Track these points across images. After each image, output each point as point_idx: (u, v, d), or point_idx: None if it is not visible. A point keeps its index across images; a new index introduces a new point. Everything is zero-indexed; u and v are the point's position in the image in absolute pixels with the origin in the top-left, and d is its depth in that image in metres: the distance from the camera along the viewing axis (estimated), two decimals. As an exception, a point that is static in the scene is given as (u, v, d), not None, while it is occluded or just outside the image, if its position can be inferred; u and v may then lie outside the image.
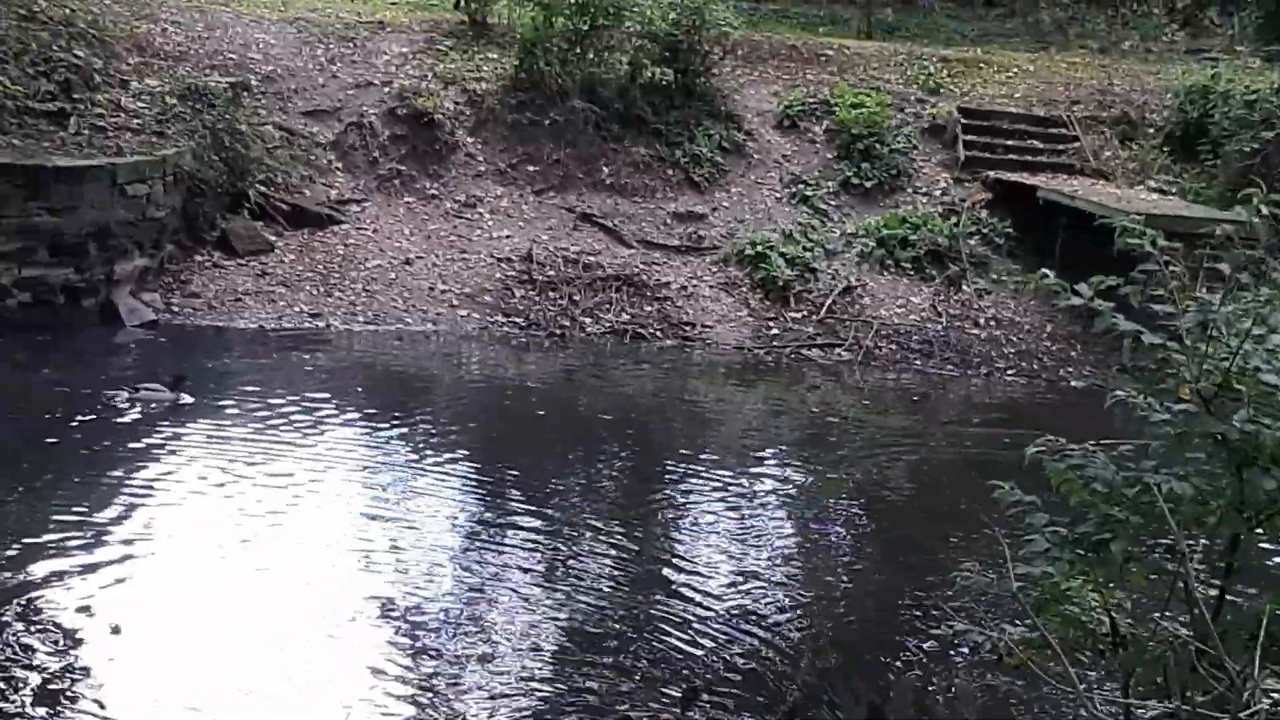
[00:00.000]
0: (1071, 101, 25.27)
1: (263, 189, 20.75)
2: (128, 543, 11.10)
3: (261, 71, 22.92)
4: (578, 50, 23.58)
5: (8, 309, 17.13)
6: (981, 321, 20.97)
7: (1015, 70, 26.82)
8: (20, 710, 8.38)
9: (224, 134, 20.40)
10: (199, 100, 20.58)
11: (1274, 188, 17.85)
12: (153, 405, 14.69)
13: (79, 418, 14.05)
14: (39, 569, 10.37)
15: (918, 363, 19.95)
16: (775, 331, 20.35)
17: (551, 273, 20.68)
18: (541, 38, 23.45)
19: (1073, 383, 19.69)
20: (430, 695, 9.14)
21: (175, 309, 18.44)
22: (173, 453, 13.43)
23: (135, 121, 19.66)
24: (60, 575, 10.27)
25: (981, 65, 26.99)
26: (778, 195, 22.93)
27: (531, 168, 22.63)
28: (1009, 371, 19.92)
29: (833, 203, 22.94)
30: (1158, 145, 24.06)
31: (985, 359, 20.12)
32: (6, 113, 18.54)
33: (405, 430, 15.11)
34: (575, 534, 12.42)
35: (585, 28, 23.56)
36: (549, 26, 23.60)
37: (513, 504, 13.13)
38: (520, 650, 9.91)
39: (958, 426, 17.75)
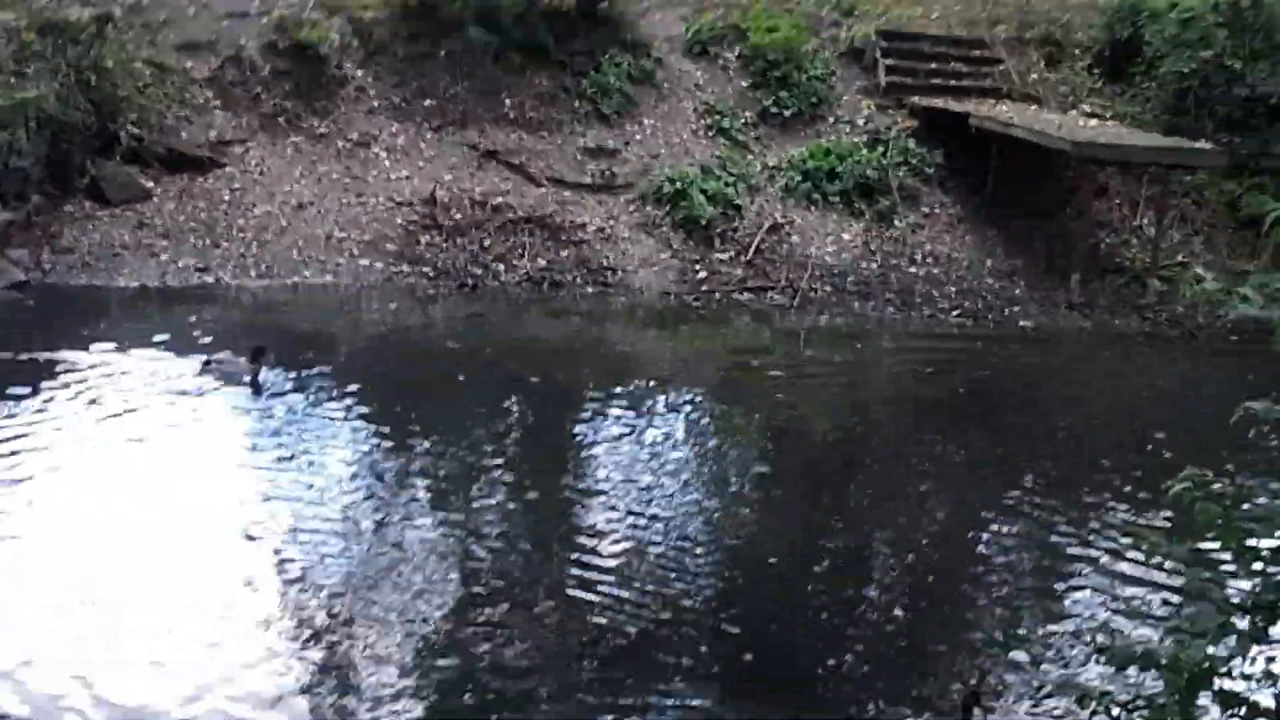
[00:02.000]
0: (992, 21, 23.94)
1: (135, 131, 18.86)
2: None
3: (125, 3, 20.87)
4: (472, -24, 21.82)
5: None
6: (918, 259, 19.76)
7: (931, -11, 25.48)
8: None
9: (89, 72, 18.48)
10: (59, 35, 18.60)
11: (1213, 111, 16.96)
12: (230, 380, 13.36)
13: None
14: None
15: (855, 305, 18.72)
16: (702, 274, 18.96)
17: (458, 216, 19.05)
18: (433, -38, 21.69)
19: (1021, 323, 18.55)
20: (322, 659, 8.47)
21: (46, 266, 16.63)
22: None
23: (-10, 60, 17.71)
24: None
25: (894, -16, 25.61)
26: (693, 127, 21.40)
27: (428, 102, 20.86)
28: (953, 312, 18.74)
29: (752, 134, 21.46)
30: (1086, 67, 22.90)
31: (926, 299, 18.93)
32: None
33: (301, 390, 13.63)
34: (475, 488, 11.69)
35: (481, -49, 21.82)
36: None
37: (414, 461, 12.25)
38: (417, 613, 9.16)
39: (894, 371, 16.94)
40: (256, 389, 13.37)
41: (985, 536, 11.63)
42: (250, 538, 10.06)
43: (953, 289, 19.22)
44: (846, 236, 19.92)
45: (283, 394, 13.43)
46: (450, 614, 9.20)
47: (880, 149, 21.01)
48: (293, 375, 14.00)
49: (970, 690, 8.40)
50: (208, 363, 13.53)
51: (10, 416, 12.08)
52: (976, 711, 8.22)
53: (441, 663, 8.53)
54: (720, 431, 14.27)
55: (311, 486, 11.22)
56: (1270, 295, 5.38)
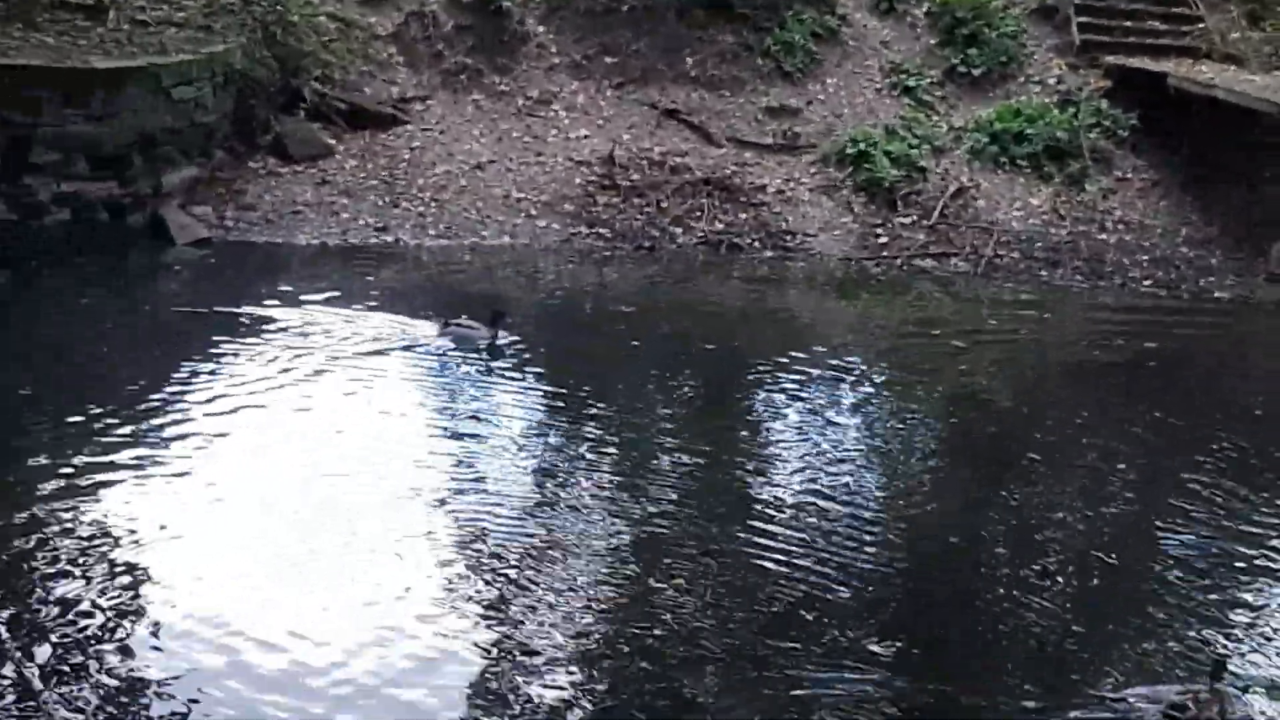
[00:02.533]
0: (1195, -25, 23.07)
1: (318, 87, 18.95)
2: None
3: (311, -44, 21.00)
4: (657, -71, 21.53)
5: (46, 228, 15.47)
6: (1109, 225, 19.10)
7: (1125, -58, 24.58)
8: None
9: (275, 27, 18.60)
10: (247, -11, 18.75)
11: None
12: (466, 341, 13.38)
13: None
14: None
15: (1043, 273, 18.13)
16: (883, 239, 18.53)
17: (636, 177, 18.85)
18: (619, -84, 21.44)
19: (1216, 293, 17.83)
20: (501, 617, 8.34)
21: (229, 223, 16.73)
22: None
23: (179, 15, 17.92)
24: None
25: (1089, -62, 24.75)
26: (877, 86, 20.93)
27: (609, 59, 20.68)
28: (1145, 281, 18.06)
29: (938, 94, 20.92)
30: (1294, 25, 21.95)
31: (1117, 267, 18.27)
32: (38, 6, 16.77)
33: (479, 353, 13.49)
34: (651, 454, 11.47)
35: (665, -97, 21.51)
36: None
37: (590, 426, 11.96)
38: (592, 578, 9.03)
39: (1081, 342, 16.34)
40: (493, 353, 13.31)
41: (1171, 520, 11.10)
42: (440, 502, 10.03)
43: (1145, 257, 18.54)
44: (1034, 201, 19.34)
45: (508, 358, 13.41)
46: (624, 579, 9.06)
47: (1071, 110, 20.34)
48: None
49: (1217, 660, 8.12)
50: (446, 324, 13.48)
51: (219, 372, 12.22)
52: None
53: (612, 628, 8.37)
54: (898, 401, 13.84)
55: (494, 448, 11.19)
56: None
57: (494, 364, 13.09)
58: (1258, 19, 22.20)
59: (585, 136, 19.52)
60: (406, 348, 13.22)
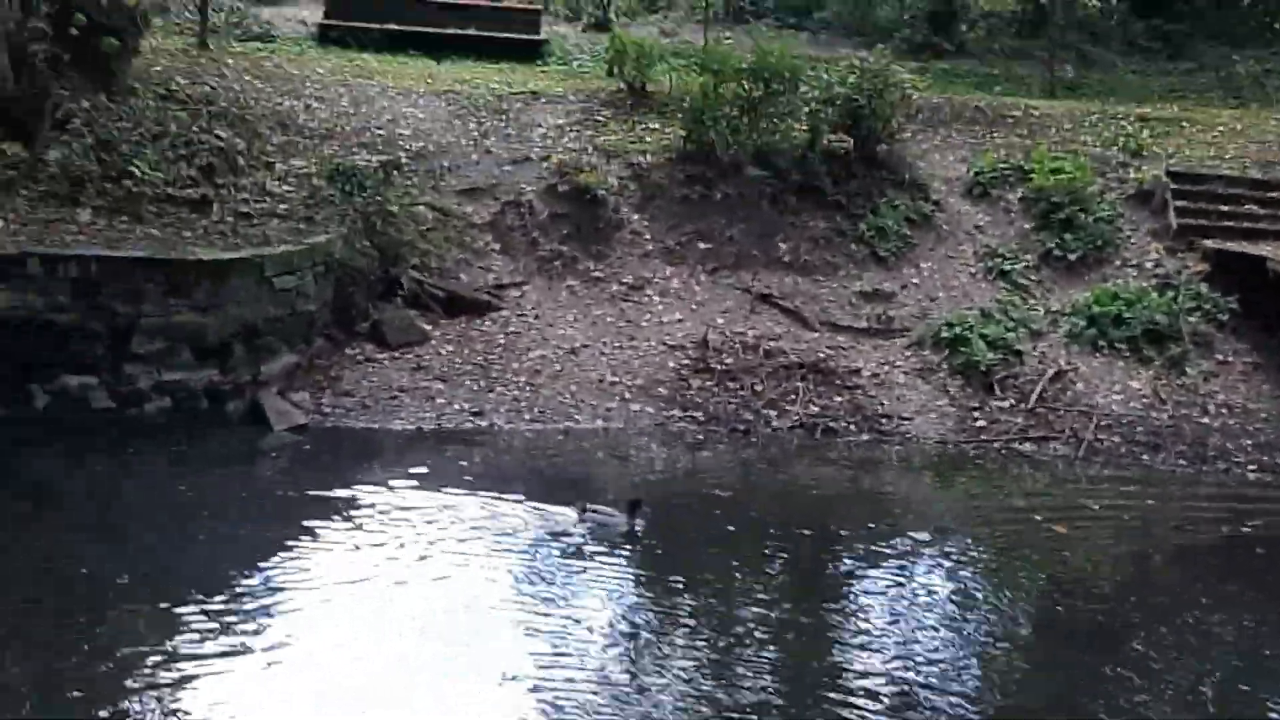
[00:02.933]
0: (1290, 161, 23.01)
1: (416, 275, 19.21)
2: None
3: (411, 148, 21.49)
4: (749, 118, 21.85)
5: (146, 415, 15.69)
6: (1211, 409, 18.75)
7: (1221, 129, 24.60)
8: None
9: (375, 217, 18.95)
10: (348, 181, 19.22)
11: None
12: (604, 529, 13.52)
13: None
14: None
15: (1144, 457, 17.77)
16: (981, 422, 18.32)
17: (730, 360, 18.85)
18: (711, 105, 21.80)
19: (1324, 480, 17.45)
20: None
21: (326, 409, 16.82)
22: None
23: (282, 207, 18.31)
24: None
25: (1183, 124, 24.82)
26: (972, 270, 20.93)
27: (702, 245, 20.87)
28: (1250, 467, 17.65)
29: (1033, 277, 20.86)
30: (1391, 209, 21.73)
31: (1221, 452, 17.88)
32: (145, 200, 17.24)
33: (573, 537, 13.51)
34: (740, 637, 11.47)
35: (758, 94, 21.85)
36: (718, 93, 21.93)
37: (680, 610, 12.06)
38: None
39: (1184, 529, 16.03)
40: (632, 540, 13.44)
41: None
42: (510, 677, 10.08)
43: (1249, 442, 18.16)
44: (1134, 385, 19.08)
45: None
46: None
47: (1170, 294, 20.15)
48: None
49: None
50: (585, 510, 13.62)
51: (312, 557, 12.41)
52: None
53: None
54: (997, 585, 13.62)
55: (578, 631, 11.23)
56: None
57: (589, 547, 13.10)
58: (1356, 203, 22.03)
59: (679, 320, 19.60)
60: (550, 533, 13.40)
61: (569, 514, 13.68)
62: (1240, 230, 21.32)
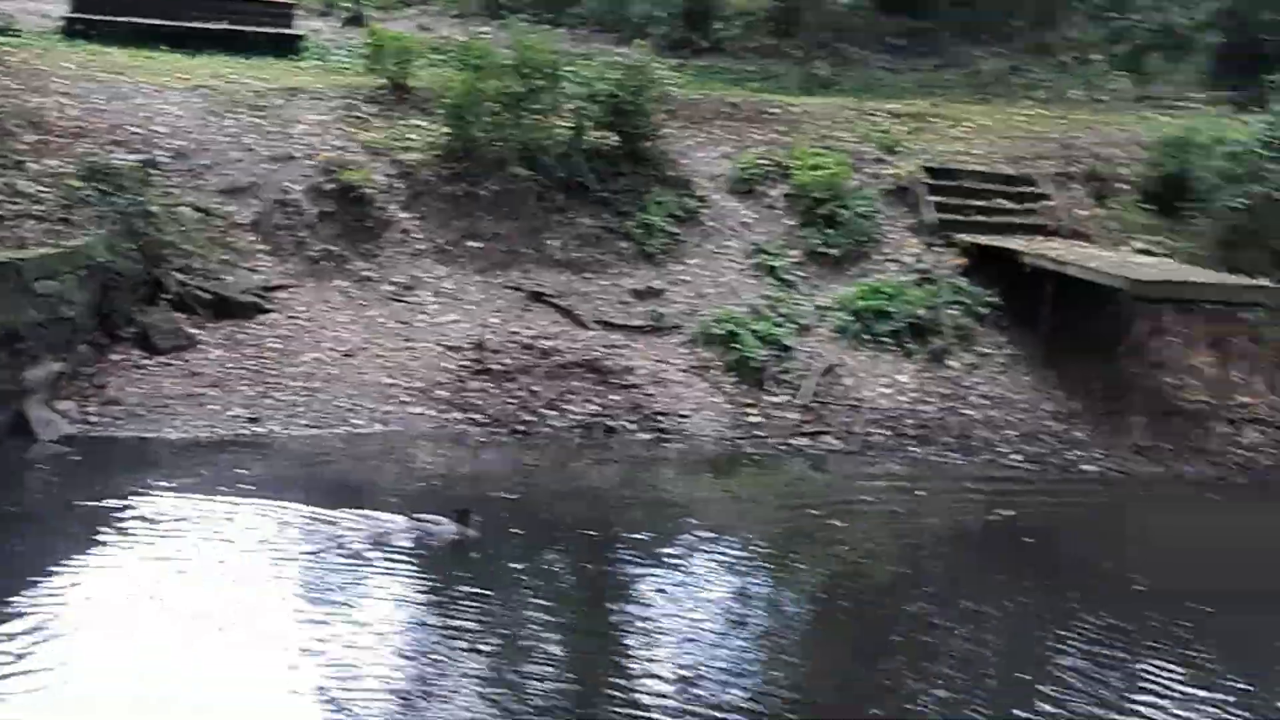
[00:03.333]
0: (1036, 157, 23.83)
1: (181, 277, 18.65)
2: None
3: (170, 146, 20.77)
4: (512, 114, 21.72)
5: (-100, 429, 14.95)
6: (974, 401, 19.37)
7: (970, 124, 25.32)
8: None
9: (136, 218, 18.29)
10: (105, 181, 18.45)
11: (1266, 245, 16.79)
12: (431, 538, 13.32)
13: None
14: None
15: (914, 449, 18.30)
16: (755, 419, 18.59)
17: (508, 361, 18.74)
18: (473, 102, 21.59)
19: (1084, 467, 18.16)
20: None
21: (93, 418, 16.18)
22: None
23: (37, 208, 17.54)
24: None
25: (934, 119, 25.46)
26: (740, 266, 21.18)
27: (472, 244, 20.70)
28: (1013, 455, 18.33)
29: (800, 273, 21.20)
30: (1135, 202, 22.68)
31: (985, 443, 18.53)
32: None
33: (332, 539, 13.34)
34: (524, 638, 11.63)
35: (520, 90, 21.73)
36: (479, 89, 21.74)
37: (459, 612, 11.97)
38: None
39: (953, 518, 16.84)
40: (460, 549, 13.35)
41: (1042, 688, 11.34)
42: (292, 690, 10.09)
43: (1012, 432, 18.83)
44: (901, 378, 19.58)
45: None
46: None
47: (930, 288, 20.74)
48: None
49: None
50: (413, 519, 13.48)
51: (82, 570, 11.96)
52: None
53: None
54: (775, 580, 14.11)
55: (363, 638, 11.26)
56: None
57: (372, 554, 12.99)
58: (1102, 196, 22.97)
59: (454, 321, 19.41)
60: (373, 541, 13.16)
61: (398, 521, 13.51)
62: (993, 225, 22.06)
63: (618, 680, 10.91)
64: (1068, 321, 20.09)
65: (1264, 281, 19.26)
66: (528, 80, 21.76)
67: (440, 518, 13.54)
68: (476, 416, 17.76)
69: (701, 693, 10.70)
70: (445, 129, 21.82)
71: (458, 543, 13.40)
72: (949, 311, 20.40)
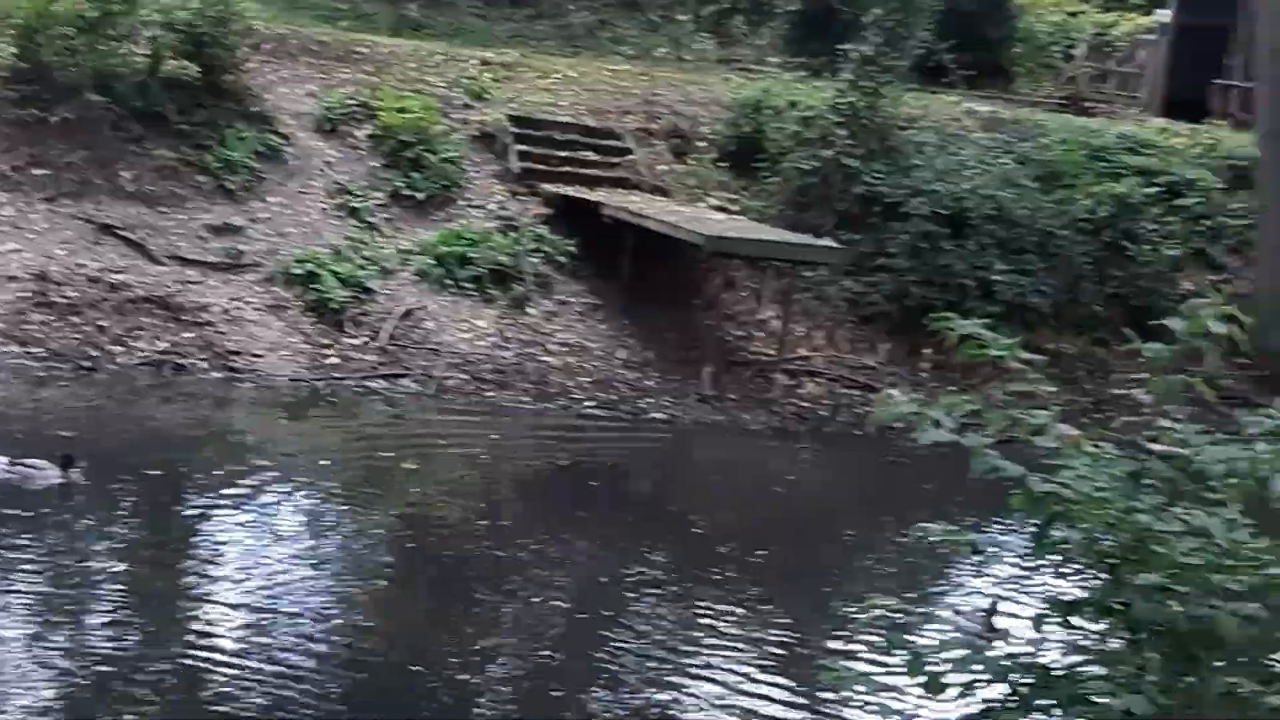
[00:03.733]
0: (621, 112, 24.26)
1: None
2: None
3: None
4: (87, 38, 20.71)
5: None
6: (551, 348, 19.65)
7: (558, 76, 25.52)
8: None
9: None
10: None
11: (833, 207, 17.75)
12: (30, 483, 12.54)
13: None
14: None
15: (491, 394, 18.46)
16: (334, 360, 18.41)
17: (73, 294, 17.97)
18: (45, 23, 20.51)
19: (653, 414, 18.69)
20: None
21: None
22: None
23: None
24: None
25: (523, 69, 25.55)
26: (323, 206, 20.81)
27: (39, 171, 19.70)
28: (587, 402, 18.71)
29: (384, 215, 20.99)
30: (713, 160, 23.38)
31: (561, 389, 18.84)
32: None
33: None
34: (88, 585, 11.44)
35: (95, 14, 20.74)
36: (51, 11, 20.64)
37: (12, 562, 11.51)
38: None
39: (527, 462, 17.40)
40: (64, 496, 12.78)
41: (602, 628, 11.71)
42: None
43: (587, 379, 19.20)
44: (481, 324, 19.68)
45: None
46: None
47: (513, 235, 20.88)
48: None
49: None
50: (13, 463, 12.71)
51: None
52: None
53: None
54: (349, 520, 14.02)
55: None
56: (962, 418, 5.31)
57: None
58: (682, 154, 23.57)
59: (15, 251, 18.46)
60: None
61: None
62: (577, 176, 22.34)
63: (189, 618, 10.82)
64: (646, 273, 20.60)
65: (828, 242, 20.14)
66: (103, 4, 20.79)
67: (41, 462, 12.88)
68: (37, 350, 17.03)
69: (273, 629, 10.75)
70: (13, 50, 20.67)
71: (62, 488, 12.84)
72: (530, 260, 20.58)
